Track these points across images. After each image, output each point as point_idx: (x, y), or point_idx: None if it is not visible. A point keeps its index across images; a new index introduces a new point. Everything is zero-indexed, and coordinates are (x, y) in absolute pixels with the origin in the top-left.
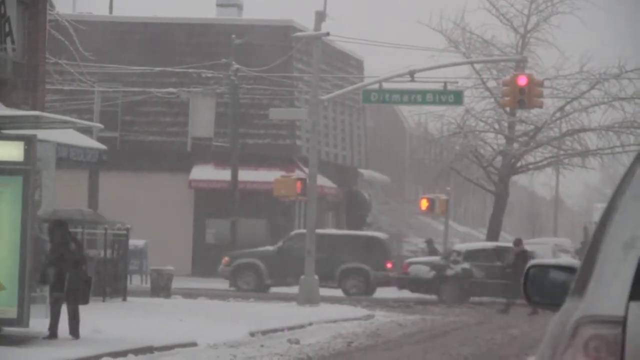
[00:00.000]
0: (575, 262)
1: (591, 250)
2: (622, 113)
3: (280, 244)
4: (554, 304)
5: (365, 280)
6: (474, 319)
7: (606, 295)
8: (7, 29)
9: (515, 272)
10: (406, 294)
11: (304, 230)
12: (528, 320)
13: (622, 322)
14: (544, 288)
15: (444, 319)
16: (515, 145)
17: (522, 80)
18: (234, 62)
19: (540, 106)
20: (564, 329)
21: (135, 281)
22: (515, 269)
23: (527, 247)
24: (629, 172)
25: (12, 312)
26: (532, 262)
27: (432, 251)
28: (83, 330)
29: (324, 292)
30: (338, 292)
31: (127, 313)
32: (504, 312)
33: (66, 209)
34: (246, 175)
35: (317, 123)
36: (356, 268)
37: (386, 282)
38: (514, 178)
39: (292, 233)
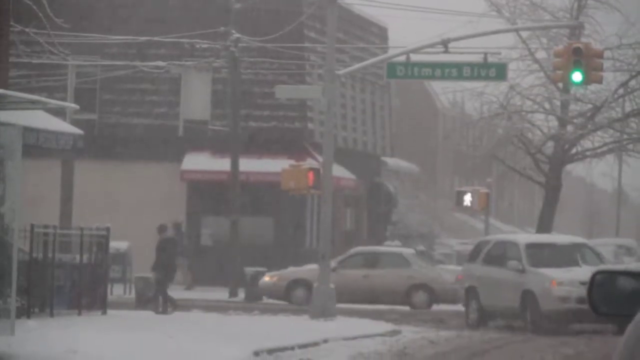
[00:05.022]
0: None
1: None
2: None
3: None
4: (625, 314)
5: None
6: (519, 336)
7: None
8: None
9: (161, 264)
10: None
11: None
12: (585, 337)
13: None
14: (612, 297)
15: (483, 336)
16: (570, 128)
17: (578, 51)
18: (233, 31)
19: (600, 81)
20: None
21: (117, 291)
22: (159, 260)
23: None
24: None
25: None
26: (599, 268)
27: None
28: (55, 349)
29: None
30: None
31: (107, 329)
32: (164, 312)
33: None
34: (248, 164)
35: (333, 103)
36: None
37: None
38: (568, 167)
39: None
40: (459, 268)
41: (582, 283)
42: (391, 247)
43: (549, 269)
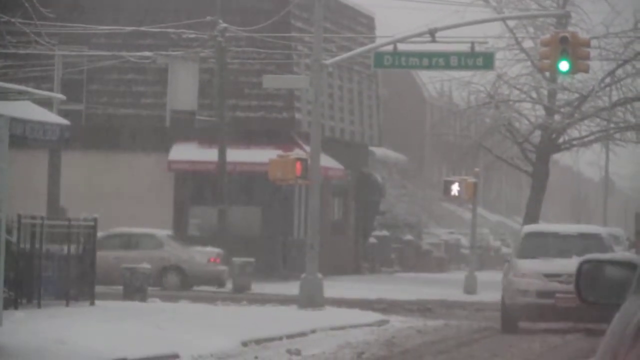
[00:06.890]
0: (635, 257)
1: None
2: None
3: None
4: (612, 303)
5: None
6: None
7: None
8: None
9: None
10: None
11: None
12: (572, 327)
13: None
14: (599, 286)
15: (472, 325)
16: (557, 117)
17: (565, 40)
18: (220, 21)
19: (587, 70)
20: (626, 330)
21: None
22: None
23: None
24: None
25: None
26: (586, 257)
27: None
28: (43, 340)
29: None
30: None
31: (95, 319)
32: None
33: None
34: (236, 155)
35: (320, 92)
36: None
37: None
38: (555, 156)
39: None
40: (216, 250)
41: (547, 275)
42: (146, 229)
43: (527, 260)
